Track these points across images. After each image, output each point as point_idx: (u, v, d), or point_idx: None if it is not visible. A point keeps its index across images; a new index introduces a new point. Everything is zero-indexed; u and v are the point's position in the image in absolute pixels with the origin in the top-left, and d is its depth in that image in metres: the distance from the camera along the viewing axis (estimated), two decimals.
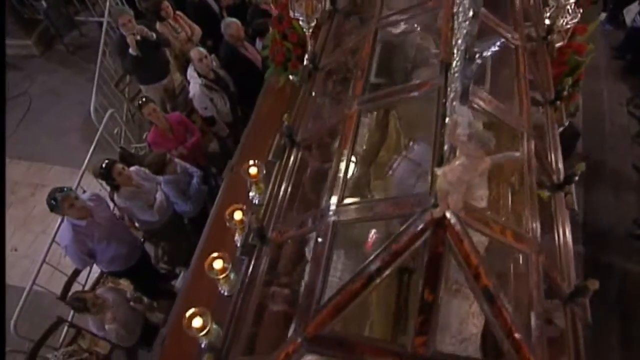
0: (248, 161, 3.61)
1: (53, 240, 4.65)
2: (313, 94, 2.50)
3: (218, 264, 3.11)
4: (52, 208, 3.99)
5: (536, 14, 2.77)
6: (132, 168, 4.63)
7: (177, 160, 4.80)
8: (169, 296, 5.03)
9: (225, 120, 5.65)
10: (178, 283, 5.43)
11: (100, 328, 4.19)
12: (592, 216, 5.37)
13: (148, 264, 5.16)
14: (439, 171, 1.49)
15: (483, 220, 1.68)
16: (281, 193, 2.22)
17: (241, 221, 3.36)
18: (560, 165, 2.26)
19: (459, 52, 1.65)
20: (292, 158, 2.31)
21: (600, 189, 5.71)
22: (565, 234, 2.09)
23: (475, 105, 1.91)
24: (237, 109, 5.58)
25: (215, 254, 3.08)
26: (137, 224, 4.94)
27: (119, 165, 4.36)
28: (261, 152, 3.96)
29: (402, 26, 2.36)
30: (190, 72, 5.29)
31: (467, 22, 1.60)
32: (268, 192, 2.27)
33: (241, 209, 3.38)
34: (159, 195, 4.69)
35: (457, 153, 1.44)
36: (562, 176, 2.23)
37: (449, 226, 1.59)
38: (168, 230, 4.98)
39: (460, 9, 1.88)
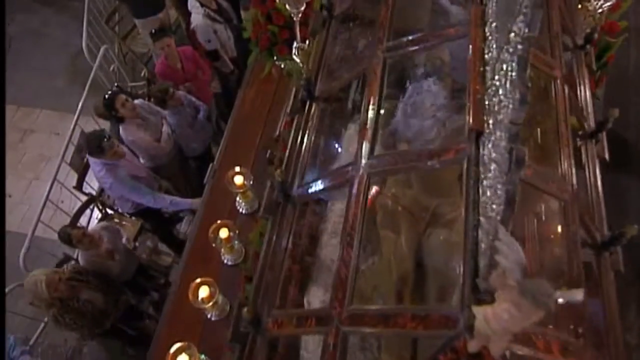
0: (232, 168, 3.36)
1: (54, 181, 4.84)
2: (308, 130, 2.17)
3: (204, 291, 2.92)
4: (96, 152, 4.08)
5: (570, 16, 2.40)
6: (137, 100, 4.64)
7: (182, 92, 4.85)
8: (172, 240, 5.36)
9: (229, 56, 5.50)
10: (182, 228, 5.59)
11: (88, 262, 4.23)
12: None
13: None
14: (478, 314, 1.24)
15: (524, 339, 1.45)
16: (277, 265, 1.95)
17: (228, 239, 3.13)
18: (604, 219, 2.00)
19: (497, 141, 1.35)
20: (287, 219, 2.02)
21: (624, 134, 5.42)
22: (611, 307, 1.88)
23: None
24: (240, 43, 5.26)
25: (198, 280, 2.88)
26: (142, 160, 4.90)
27: (123, 96, 4.36)
28: (247, 154, 3.67)
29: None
30: (192, 2, 5.14)
31: (511, 108, 1.29)
32: (260, 263, 1.99)
33: (227, 226, 3.15)
34: (165, 128, 4.75)
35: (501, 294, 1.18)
36: (605, 231, 1.99)
37: (487, 356, 1.35)
38: (173, 168, 5.04)
39: (495, 57, 1.54)
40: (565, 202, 1.71)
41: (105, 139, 4.02)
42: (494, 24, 1.62)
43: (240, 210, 3.52)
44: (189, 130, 4.88)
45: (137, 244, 4.93)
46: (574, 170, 1.80)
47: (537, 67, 1.88)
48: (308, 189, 1.97)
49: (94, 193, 5.26)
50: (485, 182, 1.43)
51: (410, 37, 1.94)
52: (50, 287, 3.72)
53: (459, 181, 1.56)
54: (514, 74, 1.33)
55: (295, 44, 3.36)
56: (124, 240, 4.53)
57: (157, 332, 3.27)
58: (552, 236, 1.77)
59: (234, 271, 3.29)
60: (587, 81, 2.26)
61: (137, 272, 4.77)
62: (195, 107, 4.93)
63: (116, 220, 5.22)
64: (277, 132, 3.56)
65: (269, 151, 3.56)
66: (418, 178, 2.39)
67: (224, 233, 3.12)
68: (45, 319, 4.69)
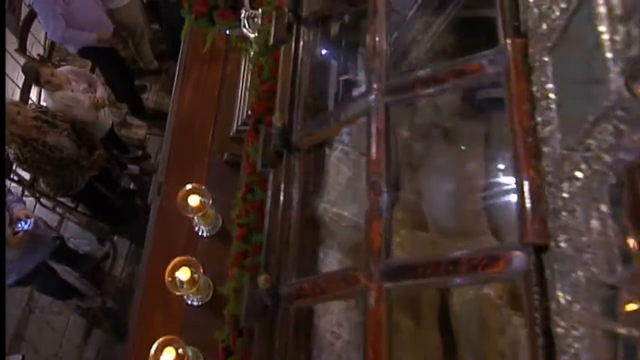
0: (182, 183, 3.06)
1: None
2: (291, 195, 1.85)
3: (170, 355, 2.71)
4: None
5: None
6: None
7: None
8: (141, 109, 5.79)
9: None
10: (149, 101, 5.93)
11: (57, 104, 4.32)
12: None
13: (119, 57, 5.41)
14: None
15: None
16: None
17: (191, 281, 2.90)
18: None
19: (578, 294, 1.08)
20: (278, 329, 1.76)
21: None
22: None
23: None
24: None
25: (161, 340, 2.68)
26: None
27: None
28: (197, 160, 3.30)
29: None
30: None
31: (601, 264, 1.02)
32: None
33: (187, 264, 2.91)
34: None
35: None
36: None
37: None
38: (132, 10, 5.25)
39: (558, 145, 1.24)
40: None
41: None
42: (549, 84, 1.30)
43: (201, 233, 3.24)
44: None
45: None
46: None
47: None
48: (300, 291, 1.70)
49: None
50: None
51: (419, 74, 1.60)
52: (8, 118, 3.72)
53: None
54: (603, 208, 1.05)
55: (243, 12, 2.95)
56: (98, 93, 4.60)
57: None
58: None
59: (201, 312, 3.09)
60: None
61: (112, 144, 5.10)
62: None
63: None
64: (234, 128, 3.22)
65: (225, 154, 3.24)
66: (432, 214, 2.17)
67: (184, 274, 2.87)
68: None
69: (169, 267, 2.89)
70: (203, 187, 3.02)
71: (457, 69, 1.56)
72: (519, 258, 1.33)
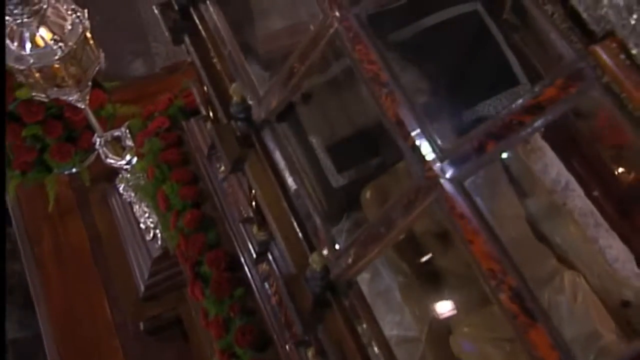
0: None
1: None
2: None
3: None
4: None
5: None
6: None
7: None
8: None
9: None
10: None
11: None
12: None
13: None
14: None
15: None
16: None
17: None
18: None
19: None
20: None
21: None
22: None
23: None
24: None
25: None
26: None
27: None
28: (104, 350, 2.73)
29: None
30: None
31: None
32: None
33: None
34: None
35: None
36: None
37: None
38: None
39: None
40: None
41: None
42: None
43: None
44: None
45: None
46: None
47: None
48: None
49: None
50: None
51: (485, 129, 1.36)
52: None
53: None
54: None
55: (97, 139, 2.55)
56: None
57: None
58: None
59: None
60: None
61: None
62: None
63: None
64: (141, 286, 2.73)
65: (141, 323, 2.76)
66: None
67: None
68: None
69: None
70: None
71: (530, 105, 1.34)
72: None
